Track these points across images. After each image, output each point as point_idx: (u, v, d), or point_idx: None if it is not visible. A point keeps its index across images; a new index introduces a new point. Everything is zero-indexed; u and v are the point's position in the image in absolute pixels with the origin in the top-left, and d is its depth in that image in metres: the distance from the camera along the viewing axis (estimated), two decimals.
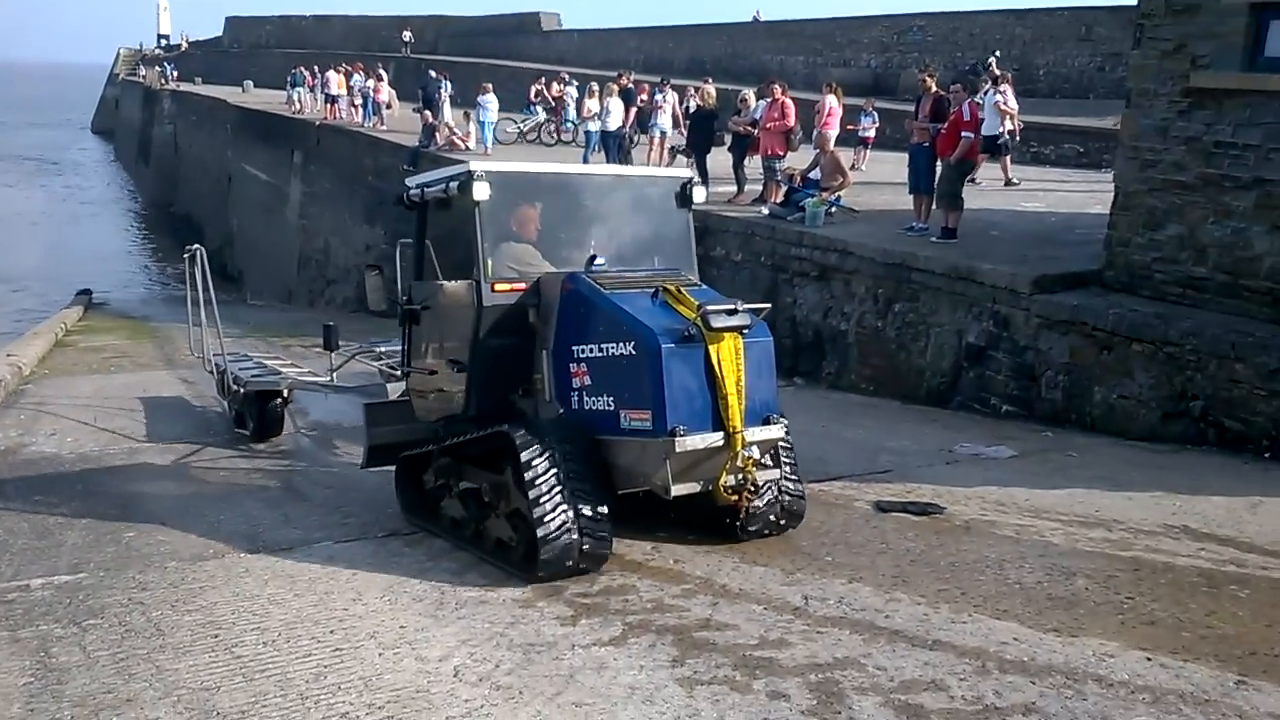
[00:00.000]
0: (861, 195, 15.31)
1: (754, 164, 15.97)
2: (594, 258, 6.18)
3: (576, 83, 26.82)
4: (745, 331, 5.57)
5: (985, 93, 16.87)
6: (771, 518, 6.24)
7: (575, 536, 5.57)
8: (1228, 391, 8.49)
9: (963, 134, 12.33)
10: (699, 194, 6.83)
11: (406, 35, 50.81)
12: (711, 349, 5.48)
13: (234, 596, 5.62)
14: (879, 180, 17.05)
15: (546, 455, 5.61)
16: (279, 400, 9.92)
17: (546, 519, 5.53)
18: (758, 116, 15.80)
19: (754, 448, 5.61)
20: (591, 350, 5.77)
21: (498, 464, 6.04)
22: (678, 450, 5.36)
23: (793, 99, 15.80)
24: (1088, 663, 4.62)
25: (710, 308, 5.55)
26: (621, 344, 5.57)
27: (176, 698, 4.47)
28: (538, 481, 5.57)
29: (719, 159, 16.72)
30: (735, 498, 5.68)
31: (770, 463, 5.95)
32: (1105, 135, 18.99)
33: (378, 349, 10.11)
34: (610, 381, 5.67)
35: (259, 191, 34.75)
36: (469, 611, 5.32)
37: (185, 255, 10.82)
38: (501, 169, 6.45)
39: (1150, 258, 9.85)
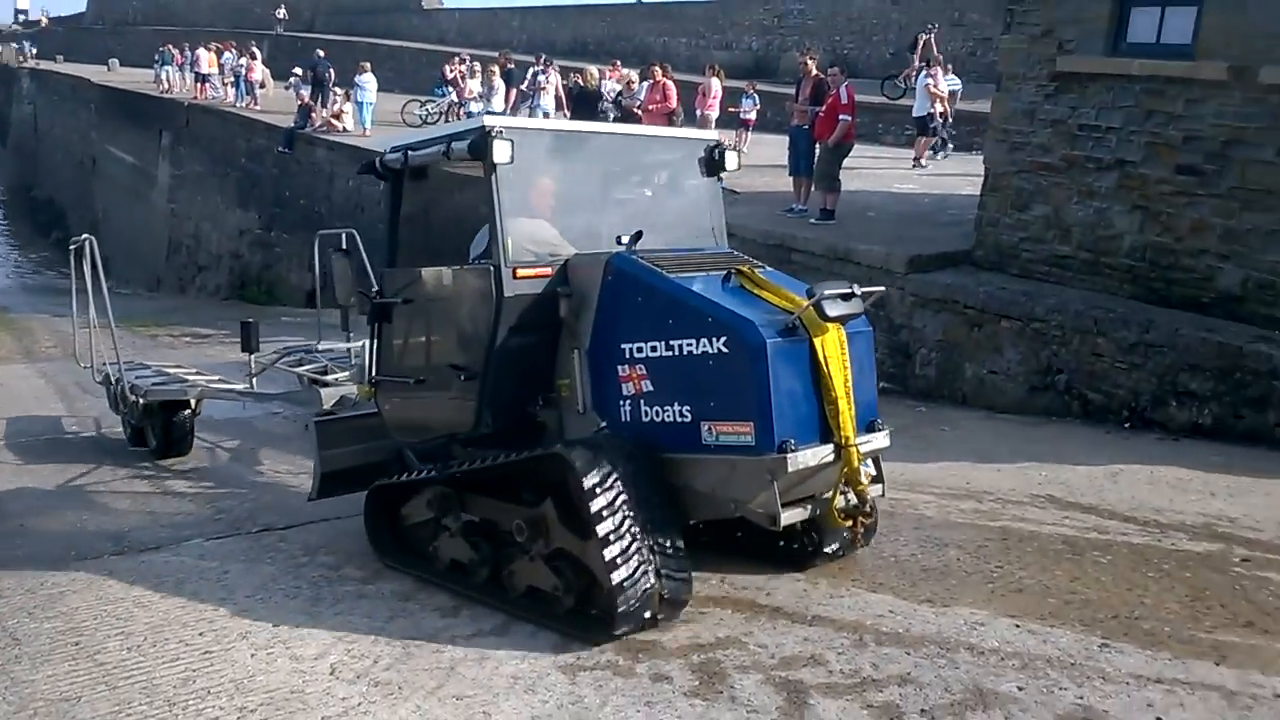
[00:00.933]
0: (742, 177, 15.35)
1: None
2: (639, 234, 5.16)
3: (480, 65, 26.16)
4: (847, 322, 4.73)
5: (919, 74, 17.10)
6: (846, 536, 5.33)
7: (654, 581, 4.58)
8: (1090, 365, 8.83)
9: (840, 117, 12.51)
10: (731, 160, 5.87)
11: (281, 12, 49.22)
12: (816, 343, 4.59)
13: (96, 600, 5.38)
14: (760, 162, 17.20)
15: (614, 481, 4.59)
16: (186, 412, 8.77)
17: (620, 561, 4.50)
18: (641, 97, 15.82)
19: (869, 461, 4.86)
20: (654, 349, 4.79)
21: (529, 494, 5.03)
22: (790, 469, 4.46)
23: (675, 81, 15.83)
24: (959, 632, 4.74)
25: (827, 293, 4.63)
26: (705, 340, 4.59)
27: (33, 710, 4.26)
28: (606, 515, 4.53)
29: None
30: (850, 521, 4.89)
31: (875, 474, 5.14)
32: (976, 119, 19.50)
33: (313, 349, 9.10)
34: (685, 387, 4.71)
35: (125, 174, 33.38)
36: (346, 607, 5.20)
37: (72, 247, 9.31)
38: (522, 125, 5.55)
39: (1018, 237, 10.16)
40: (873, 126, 21.41)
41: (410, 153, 5.62)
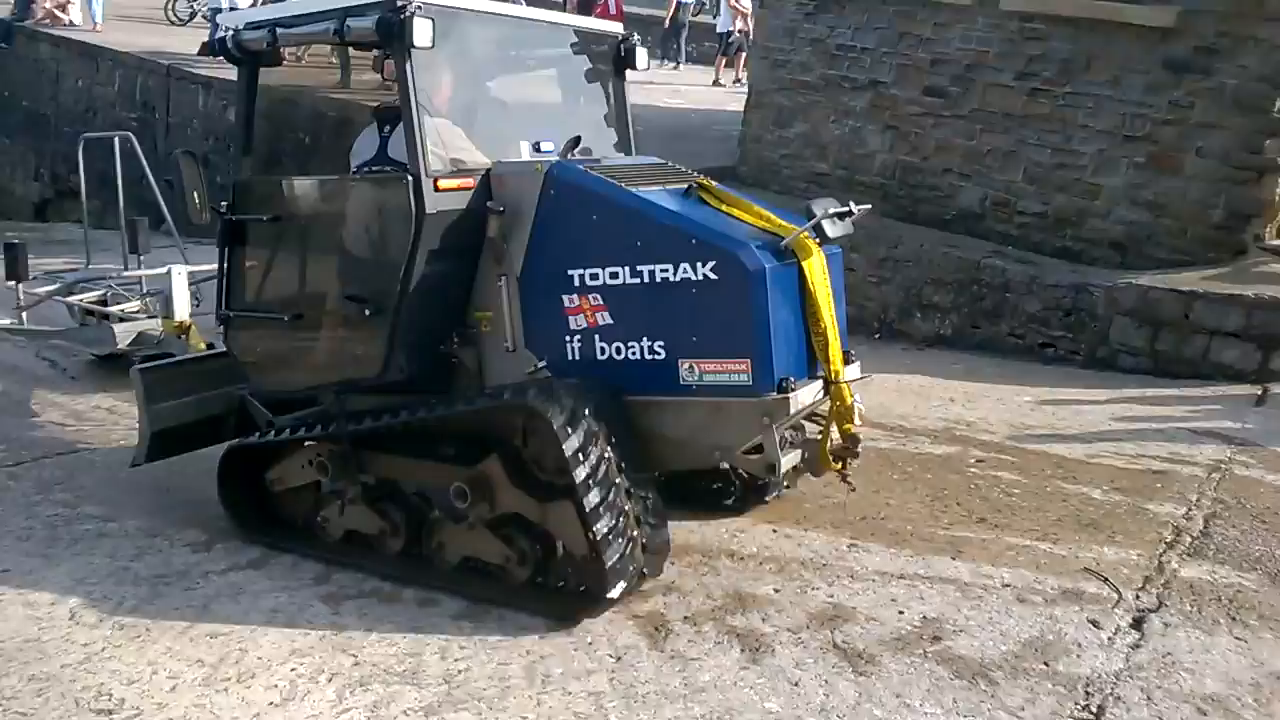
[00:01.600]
0: None
1: None
2: (577, 139, 4.62)
3: None
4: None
5: None
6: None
7: (635, 531, 4.08)
8: (845, 278, 9.24)
9: None
10: (641, 57, 5.28)
11: None
12: (805, 268, 4.14)
13: None
14: None
15: (593, 431, 4.00)
16: None
17: (603, 512, 3.95)
18: None
19: (859, 396, 4.37)
20: (615, 275, 4.16)
21: (456, 449, 4.42)
22: (791, 410, 4.02)
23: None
24: (721, 540, 4.91)
25: (830, 211, 4.19)
26: (686, 265, 4.01)
27: None
28: (584, 469, 3.93)
29: None
30: (840, 465, 4.37)
31: None
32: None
33: (105, 275, 7.89)
34: (657, 319, 4.13)
35: None
36: (86, 547, 4.83)
37: None
38: (465, 4, 4.51)
39: (779, 154, 10.46)
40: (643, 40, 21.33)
41: (279, 30, 4.56)
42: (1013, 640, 3.95)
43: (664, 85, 16.80)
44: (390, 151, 4.73)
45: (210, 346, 6.31)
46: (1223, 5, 7.69)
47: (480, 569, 4.39)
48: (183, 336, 6.92)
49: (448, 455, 4.44)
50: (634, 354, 4.20)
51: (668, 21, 19.83)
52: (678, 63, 19.71)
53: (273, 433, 4.84)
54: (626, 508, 4.04)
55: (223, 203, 4.82)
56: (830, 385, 4.21)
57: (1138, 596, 4.30)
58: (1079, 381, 7.47)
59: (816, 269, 4.15)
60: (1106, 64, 8.30)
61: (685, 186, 4.47)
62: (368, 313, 4.39)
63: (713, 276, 3.97)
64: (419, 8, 4.11)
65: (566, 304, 4.27)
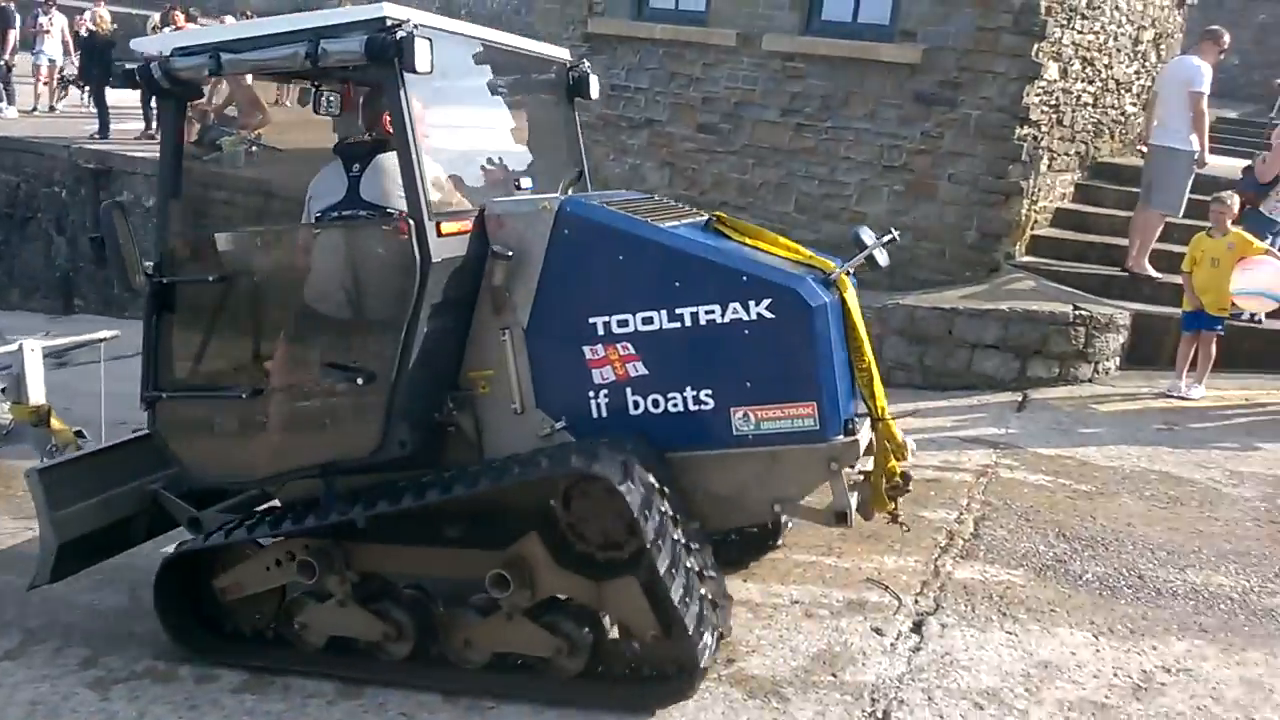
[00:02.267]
0: (288, 134, 14.67)
1: None
2: (581, 172, 4.36)
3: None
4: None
5: None
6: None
7: (705, 594, 3.71)
8: None
9: None
10: (594, 86, 4.96)
11: None
12: (846, 300, 3.89)
13: None
14: (307, 117, 16.47)
15: (649, 490, 3.60)
16: None
17: (677, 589, 3.55)
18: None
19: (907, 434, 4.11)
20: (649, 320, 3.78)
21: (481, 531, 3.92)
22: (859, 453, 3.83)
23: (204, 26, 14.65)
24: None
25: (883, 240, 3.96)
26: (737, 305, 3.69)
27: None
28: (655, 534, 3.53)
29: (122, 92, 15.11)
30: (893, 506, 4.03)
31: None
32: None
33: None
34: (702, 366, 3.79)
35: None
36: None
37: None
38: (436, 23, 3.94)
39: None
40: None
41: (225, 56, 3.88)
42: (802, 655, 4.06)
43: None
44: (363, 193, 4.14)
45: (80, 434, 5.63)
46: (962, 43, 8.28)
47: (515, 664, 3.90)
48: (41, 425, 5.83)
49: (469, 539, 3.92)
50: (675, 406, 3.81)
51: None
52: None
53: (240, 530, 4.09)
54: (692, 565, 3.69)
55: (147, 263, 4.07)
56: (877, 423, 3.94)
57: (916, 601, 4.50)
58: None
59: (854, 300, 3.93)
60: (863, 99, 8.79)
61: (704, 220, 4.18)
62: (360, 381, 3.81)
63: (769, 315, 3.67)
64: (416, 27, 3.65)
65: (588, 355, 3.84)
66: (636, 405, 3.83)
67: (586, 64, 5.08)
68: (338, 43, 3.69)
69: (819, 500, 3.96)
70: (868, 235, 3.98)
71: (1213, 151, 8.95)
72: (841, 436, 3.76)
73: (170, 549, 4.36)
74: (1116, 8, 9.68)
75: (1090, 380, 7.69)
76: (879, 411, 3.91)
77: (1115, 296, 8.29)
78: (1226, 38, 8.77)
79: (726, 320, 3.71)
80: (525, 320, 3.90)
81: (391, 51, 3.60)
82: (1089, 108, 9.74)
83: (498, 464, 3.87)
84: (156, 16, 15.90)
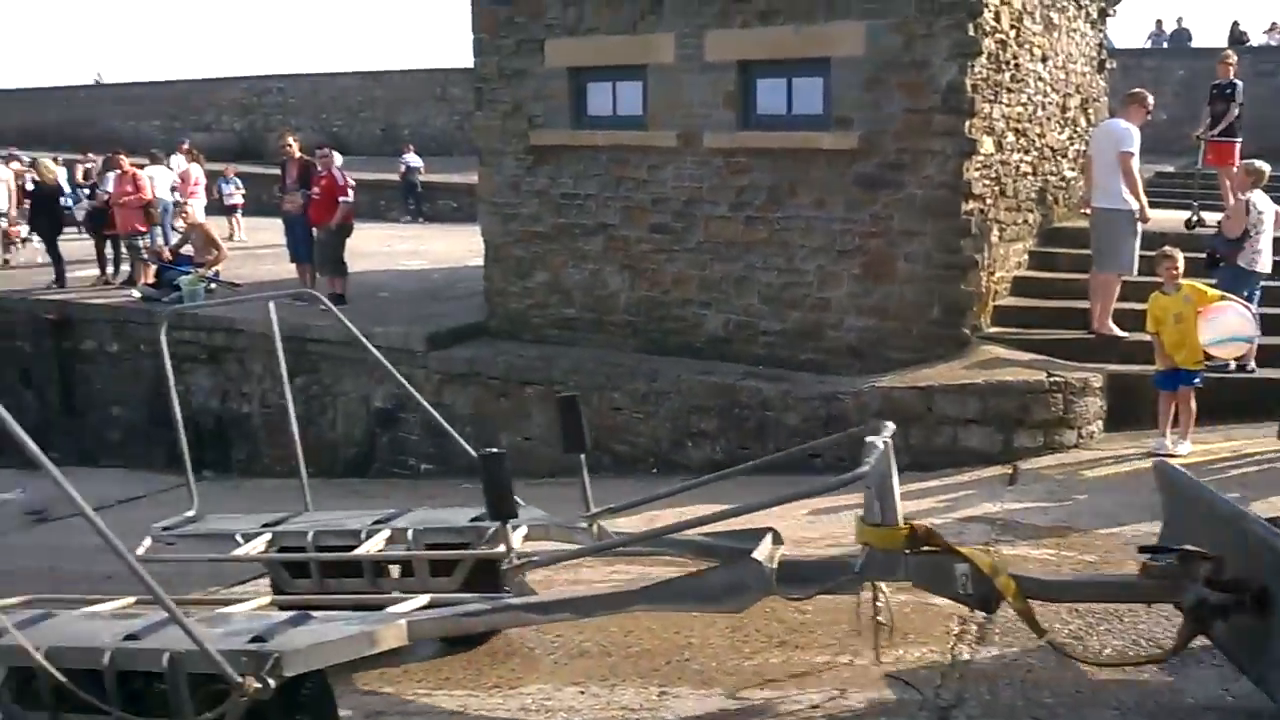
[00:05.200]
0: (244, 266, 14.68)
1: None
2: None
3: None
4: None
5: None
6: None
7: None
8: (611, 419, 9.35)
9: (339, 200, 12.31)
10: None
11: None
12: None
13: None
14: (260, 246, 16.47)
15: None
16: None
17: None
18: (109, 190, 14.52)
19: None
20: None
21: None
22: None
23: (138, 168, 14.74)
24: (528, 711, 4.71)
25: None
26: None
27: None
28: None
29: (75, 242, 15.18)
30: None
31: None
32: (474, 190, 20.21)
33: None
34: None
35: None
36: None
37: None
38: None
39: (526, 304, 10.58)
40: (374, 203, 21.48)
41: None
42: None
43: (404, 248, 16.80)
44: None
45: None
46: (896, 126, 8.47)
47: None
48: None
49: None
50: None
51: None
52: (415, 219, 21.14)
53: None
54: None
55: None
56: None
57: (938, 695, 4.42)
58: (849, 488, 7.74)
59: None
60: (808, 187, 8.94)
61: None
62: None
63: None
64: None
65: None
66: None
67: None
68: None
69: None
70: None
71: (1155, 205, 9.22)
72: None
73: None
74: (1040, 78, 9.99)
75: (1076, 446, 7.74)
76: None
77: (1088, 359, 8.40)
78: (1150, 98, 9.08)
79: None
80: None
81: None
82: (1029, 176, 9.99)
83: None
84: (100, 161, 15.93)
